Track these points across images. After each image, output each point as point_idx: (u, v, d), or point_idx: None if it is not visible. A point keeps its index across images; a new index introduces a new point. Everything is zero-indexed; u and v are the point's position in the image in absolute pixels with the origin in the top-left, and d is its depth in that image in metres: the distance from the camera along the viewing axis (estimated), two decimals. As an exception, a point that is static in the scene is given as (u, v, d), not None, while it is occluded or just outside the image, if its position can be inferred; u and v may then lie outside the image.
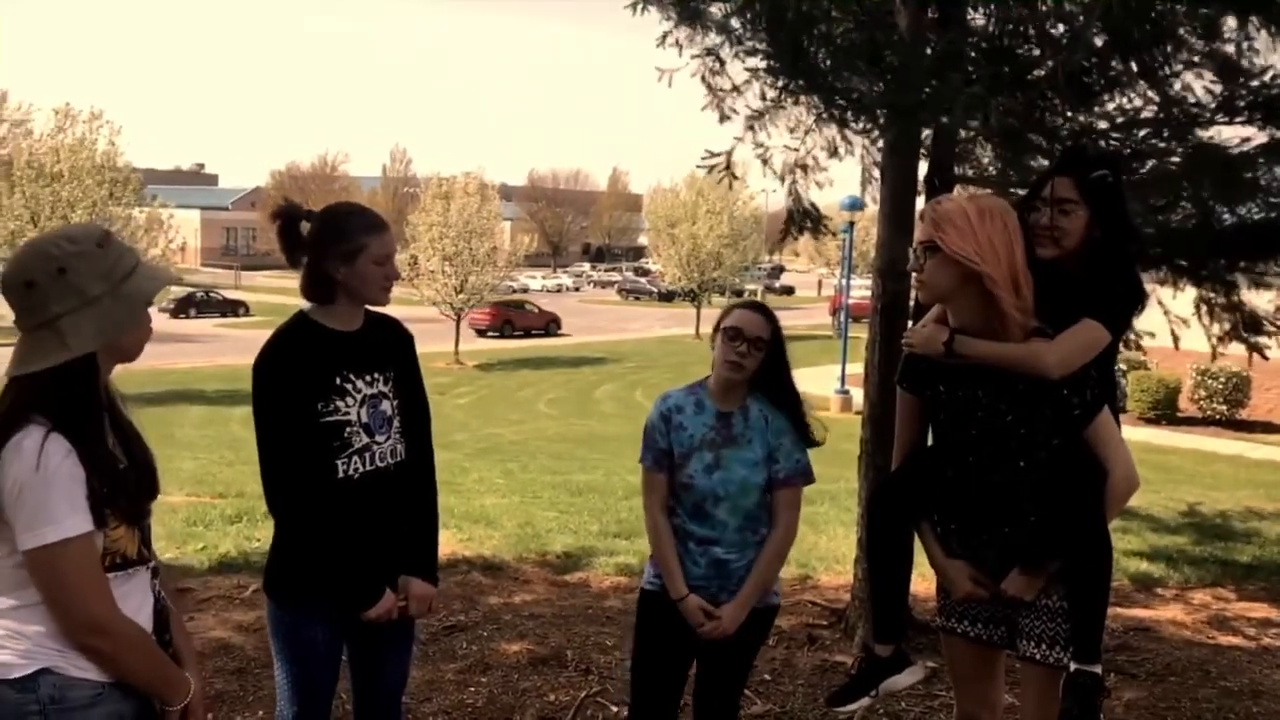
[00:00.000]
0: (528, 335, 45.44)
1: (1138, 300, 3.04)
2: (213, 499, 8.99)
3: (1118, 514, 2.79)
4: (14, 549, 2.04)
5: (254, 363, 2.91)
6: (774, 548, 3.24)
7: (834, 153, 6.00)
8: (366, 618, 2.97)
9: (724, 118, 5.84)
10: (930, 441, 2.97)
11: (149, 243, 30.60)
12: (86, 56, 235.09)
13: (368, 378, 2.98)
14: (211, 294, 53.52)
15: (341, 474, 2.91)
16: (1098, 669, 2.71)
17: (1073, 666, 2.72)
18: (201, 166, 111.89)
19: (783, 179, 6.09)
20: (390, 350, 3.09)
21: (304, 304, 3.04)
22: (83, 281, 2.08)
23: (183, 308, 50.90)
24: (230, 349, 39.12)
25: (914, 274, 2.78)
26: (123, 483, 2.16)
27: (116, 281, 2.12)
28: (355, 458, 2.93)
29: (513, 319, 46.14)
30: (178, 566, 6.61)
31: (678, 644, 3.28)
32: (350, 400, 2.93)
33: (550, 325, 47.78)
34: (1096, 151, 3.34)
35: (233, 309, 52.49)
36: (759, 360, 3.18)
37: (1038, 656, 2.81)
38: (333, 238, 2.91)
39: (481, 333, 44.05)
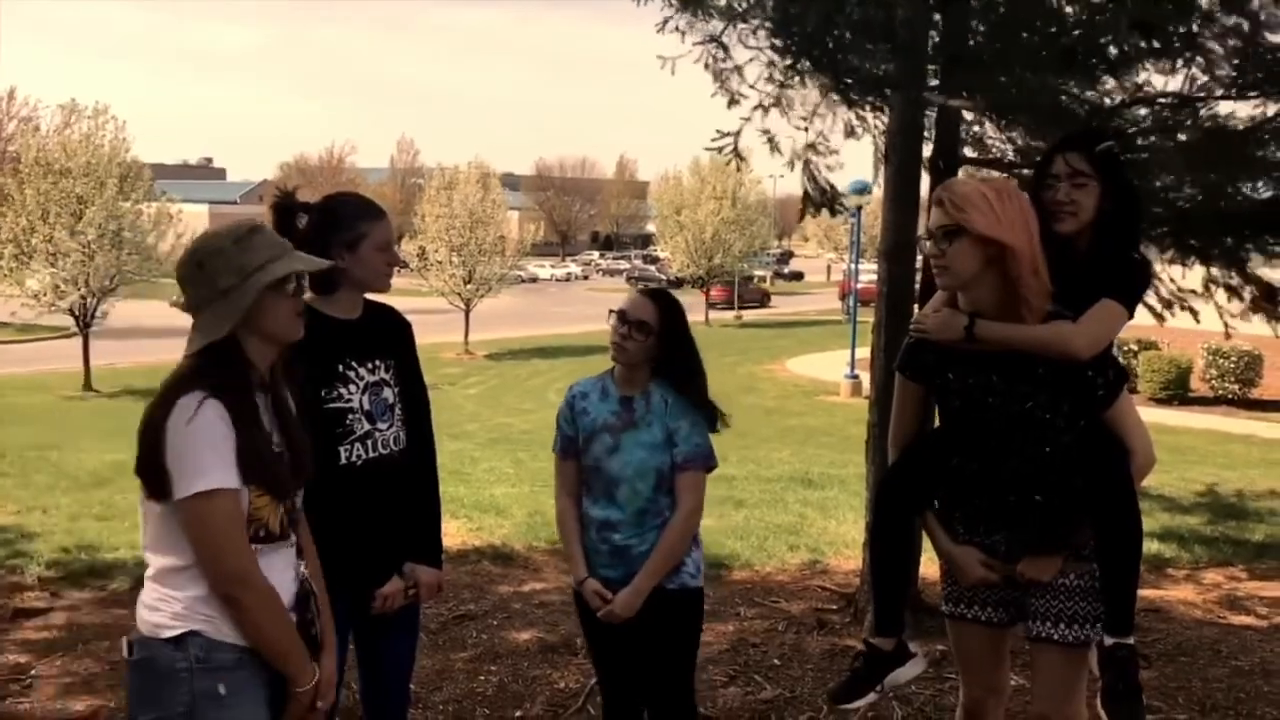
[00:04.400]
0: (748, 306, 53.91)
1: (1149, 275, 3.04)
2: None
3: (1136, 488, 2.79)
4: (173, 507, 2.22)
5: None
6: (673, 531, 3.21)
7: (851, 133, 5.94)
8: (376, 597, 3.00)
9: (733, 102, 5.80)
10: (936, 428, 2.94)
11: (158, 238, 30.64)
12: (93, 51, 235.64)
13: (369, 365, 3.00)
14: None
15: (344, 460, 2.94)
16: (1132, 640, 2.71)
17: (1108, 641, 2.72)
18: (209, 160, 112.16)
19: (791, 164, 6.05)
20: (390, 338, 3.12)
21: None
22: (216, 275, 2.30)
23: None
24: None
25: (933, 260, 2.72)
26: (272, 458, 2.34)
27: (248, 274, 2.30)
28: (357, 444, 2.96)
29: (742, 293, 54.03)
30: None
31: (610, 632, 3.28)
32: (353, 388, 2.96)
33: (764, 299, 57.36)
34: (1096, 127, 3.32)
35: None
36: (643, 344, 3.18)
37: (1055, 636, 2.79)
38: (334, 227, 2.94)
39: (713, 305, 49.47)
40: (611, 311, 3.23)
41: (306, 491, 2.88)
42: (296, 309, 2.42)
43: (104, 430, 20.34)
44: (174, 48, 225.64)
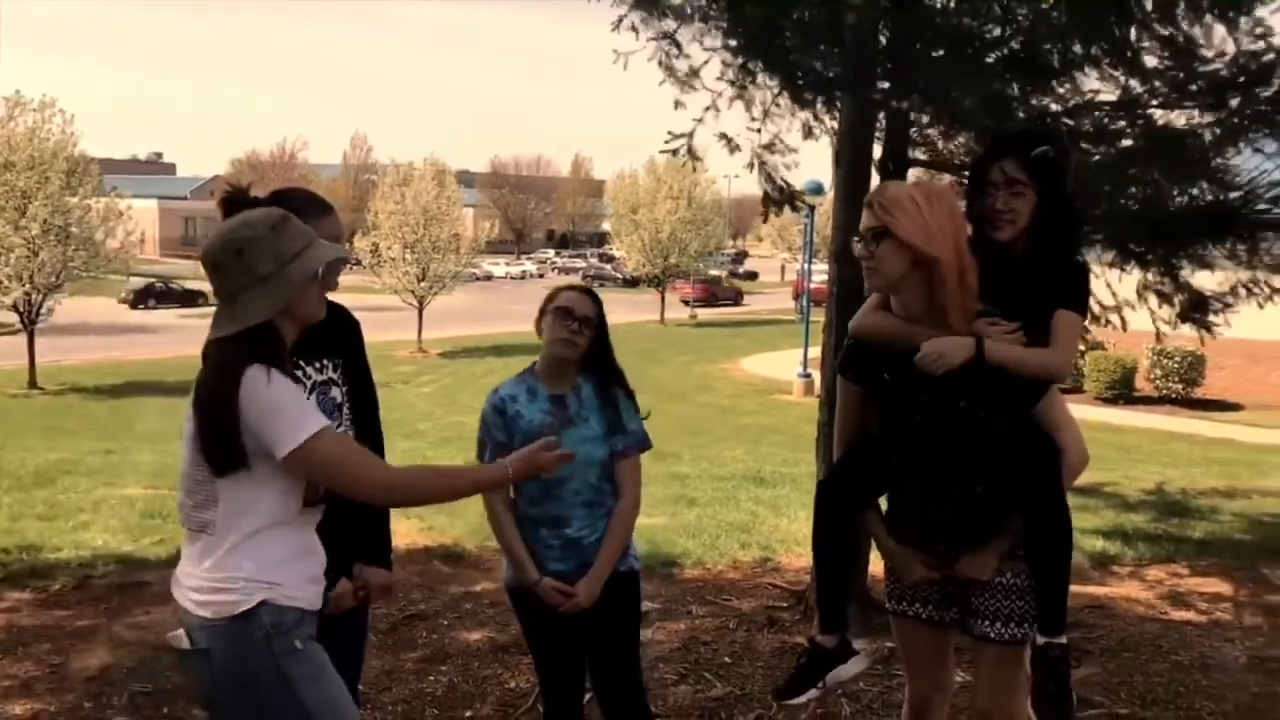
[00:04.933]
0: (721, 304, 56.47)
1: (1089, 277, 3.07)
2: (171, 491, 8.88)
3: (1069, 487, 2.82)
4: (259, 471, 2.32)
5: (203, 350, 2.88)
6: (620, 517, 3.29)
7: (809, 133, 5.99)
8: (324, 605, 2.96)
9: (678, 103, 5.82)
10: (876, 428, 2.96)
11: (107, 233, 30.16)
12: (40, 44, 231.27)
13: (317, 364, 2.97)
14: (170, 284, 52.83)
15: None
16: (1064, 639, 2.74)
17: (1040, 640, 2.74)
18: (159, 155, 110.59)
19: (752, 165, 6.09)
20: (338, 337, 3.08)
21: None
22: (255, 262, 2.38)
23: (141, 299, 50.23)
24: (190, 340, 38.61)
25: (863, 261, 2.76)
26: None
27: (286, 261, 2.40)
28: None
29: (716, 292, 57.42)
30: (133, 560, 6.56)
31: (557, 627, 3.31)
32: (300, 387, 2.90)
33: (737, 296, 59.46)
34: (1032, 128, 3.32)
35: (192, 299, 51.77)
36: (589, 339, 3.23)
37: (992, 634, 2.83)
38: None
39: (687, 302, 51.91)
40: (552, 310, 3.23)
41: None
42: (323, 292, 2.56)
43: (48, 428, 20.02)
44: (123, 40, 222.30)
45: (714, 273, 64.69)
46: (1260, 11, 4.95)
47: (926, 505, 2.87)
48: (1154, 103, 5.20)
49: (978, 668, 2.97)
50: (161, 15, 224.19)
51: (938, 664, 3.09)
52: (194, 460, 2.39)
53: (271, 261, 2.39)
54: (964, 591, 2.89)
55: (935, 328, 2.70)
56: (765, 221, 6.89)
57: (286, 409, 2.32)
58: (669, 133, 5.87)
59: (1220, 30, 4.94)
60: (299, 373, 2.91)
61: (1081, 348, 23.64)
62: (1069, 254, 2.94)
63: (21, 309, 28.11)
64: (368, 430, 3.11)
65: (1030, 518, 2.75)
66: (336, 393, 3.01)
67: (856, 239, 2.77)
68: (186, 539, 2.46)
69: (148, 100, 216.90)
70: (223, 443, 2.31)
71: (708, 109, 5.74)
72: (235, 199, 2.96)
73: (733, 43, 5.30)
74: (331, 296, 3.15)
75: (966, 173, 3.37)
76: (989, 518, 2.77)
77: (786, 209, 6.37)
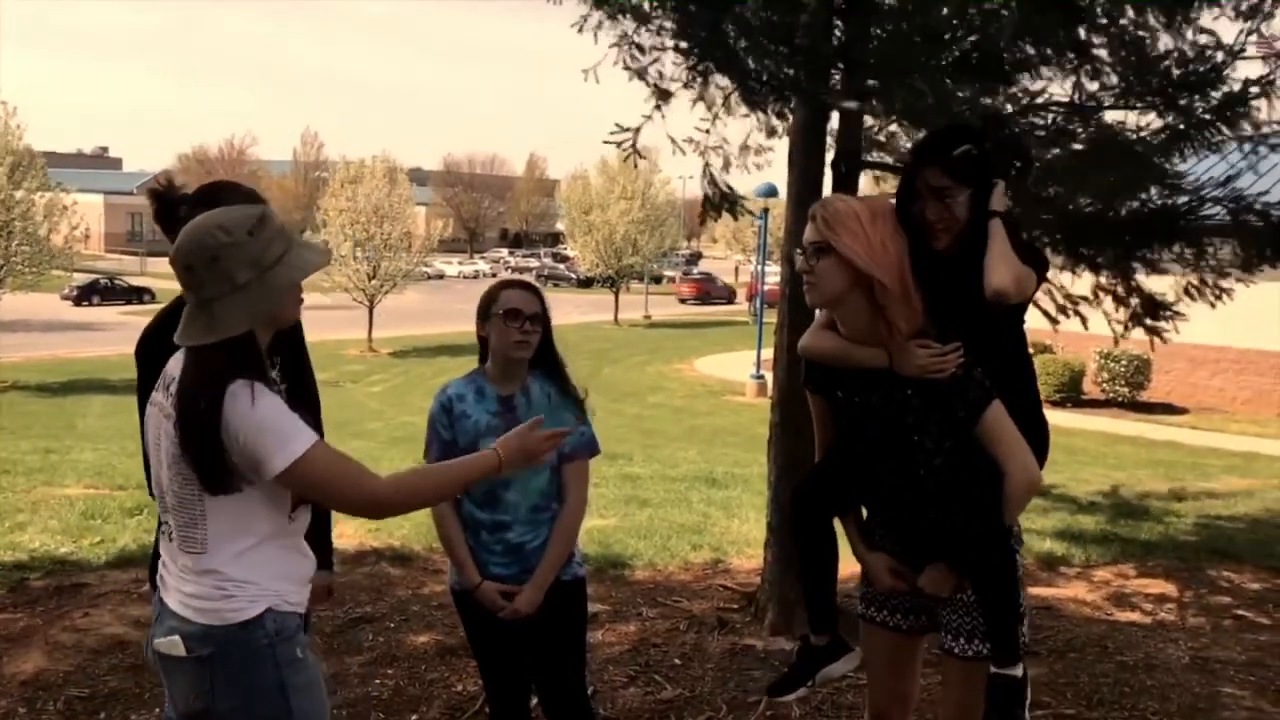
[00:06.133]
0: (715, 302, 57.54)
1: (1043, 257, 3.02)
2: (112, 491, 8.71)
3: (1020, 511, 2.74)
4: (248, 489, 2.25)
5: (135, 347, 2.85)
6: (564, 523, 3.23)
7: (772, 132, 5.99)
8: None
9: (659, 106, 5.79)
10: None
11: (50, 229, 29.62)
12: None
13: None
14: (115, 281, 51.98)
15: None
16: (1017, 671, 2.69)
17: (991, 669, 2.71)
18: (105, 150, 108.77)
19: (706, 165, 6.07)
20: (278, 334, 3.00)
21: None
22: (233, 269, 2.25)
23: (85, 295, 49.37)
24: (135, 337, 37.95)
25: (804, 275, 2.71)
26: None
27: (265, 268, 2.28)
28: None
29: (710, 290, 58.51)
30: (72, 562, 6.40)
31: (500, 632, 3.26)
32: (281, 398, 2.84)
33: (730, 295, 59.45)
34: (948, 127, 3.21)
35: (137, 296, 50.96)
36: (539, 337, 3.18)
37: (956, 650, 2.81)
38: None
39: (684, 301, 54.13)
40: (500, 313, 3.15)
41: None
42: (300, 294, 2.46)
43: (-13, 427, 19.55)
44: (69, 31, 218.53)
45: (668, 273, 64.80)
46: (1204, 17, 5.01)
47: (886, 520, 2.87)
48: (1106, 104, 5.23)
49: (944, 682, 2.96)
50: (109, 6, 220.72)
51: (900, 676, 3.05)
52: (177, 478, 2.30)
53: (250, 269, 2.27)
54: (934, 603, 2.87)
55: (877, 347, 2.67)
56: (702, 224, 6.88)
57: (274, 427, 2.24)
58: (616, 125, 5.84)
59: (1168, 32, 5.00)
60: None
61: (1030, 350, 23.94)
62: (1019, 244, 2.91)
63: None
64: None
65: (969, 559, 2.71)
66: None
67: (799, 250, 2.72)
68: (171, 549, 2.38)
69: (93, 93, 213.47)
70: (212, 463, 2.23)
71: (655, 107, 5.71)
72: (167, 195, 2.91)
73: (683, 44, 5.28)
74: None
75: None
76: (941, 540, 2.74)
77: (726, 216, 6.37)
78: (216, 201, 2.87)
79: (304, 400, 3.03)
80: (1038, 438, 2.82)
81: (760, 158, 6.21)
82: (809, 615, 3.02)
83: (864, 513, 2.99)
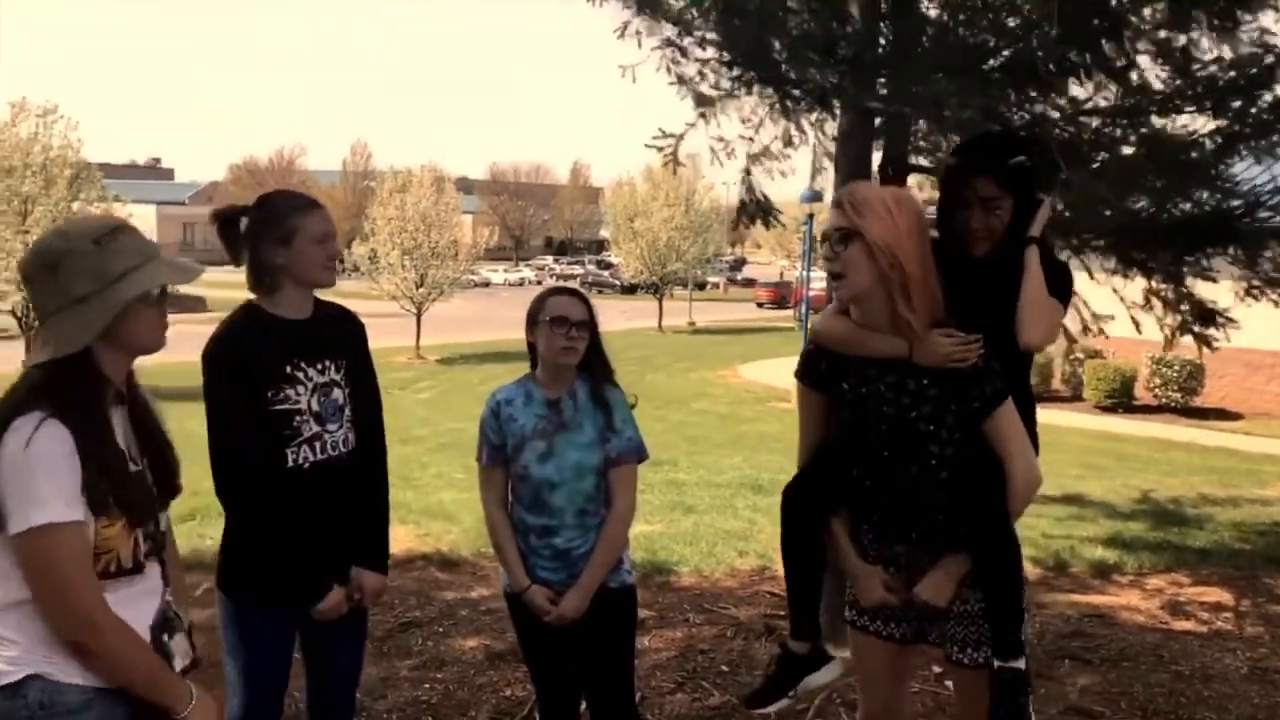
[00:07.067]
0: (791, 307, 56.72)
1: (1070, 277, 3.02)
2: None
3: (1024, 507, 2.73)
4: (6, 542, 1.99)
5: (203, 352, 2.90)
6: (611, 529, 3.23)
7: (789, 142, 6.00)
8: (316, 613, 2.96)
9: (702, 113, 5.81)
10: (835, 438, 2.88)
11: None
12: (38, 48, 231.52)
13: (319, 366, 2.97)
14: (167, 290, 52.79)
15: (291, 463, 2.90)
16: (1020, 664, 2.68)
17: (995, 663, 2.70)
18: (158, 161, 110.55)
19: (748, 171, 6.09)
20: (342, 339, 3.09)
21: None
22: (70, 281, 2.06)
23: (138, 304, 50.19)
24: (187, 345, 38.23)
25: (827, 264, 2.68)
26: (126, 480, 2.11)
27: (109, 281, 2.07)
28: (305, 446, 2.92)
29: (786, 295, 58.29)
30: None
31: (549, 637, 3.27)
32: (301, 389, 2.92)
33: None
34: (997, 136, 3.18)
35: (189, 305, 51.83)
36: (585, 343, 3.19)
37: (965, 660, 2.79)
38: (267, 225, 2.92)
39: (761, 305, 56.88)
40: (547, 320, 3.17)
41: (255, 493, 2.85)
42: (162, 319, 2.22)
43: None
44: (123, 42, 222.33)
45: (712, 279, 64.65)
46: (1265, 19, 4.95)
47: (888, 521, 2.81)
48: (1153, 109, 5.19)
49: (956, 692, 2.97)
50: (161, 18, 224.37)
51: (891, 685, 3.01)
52: None
53: (91, 280, 2.06)
54: (928, 616, 2.83)
55: (896, 335, 2.65)
56: (735, 229, 6.85)
57: (29, 483, 1.96)
58: (659, 130, 5.88)
59: (1216, 36, 4.94)
60: (299, 374, 2.91)
61: (1080, 355, 23.67)
62: (1052, 257, 2.91)
63: (20, 314, 28.06)
64: (369, 433, 3.11)
65: (975, 551, 2.70)
66: (339, 394, 3.00)
67: (822, 239, 2.70)
68: None
69: (147, 104, 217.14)
70: None
71: (701, 116, 5.74)
72: (228, 214, 2.99)
73: (726, 55, 5.31)
74: (334, 299, 3.16)
75: None
76: (947, 541, 2.72)
77: (760, 225, 6.38)
78: (271, 207, 2.95)
79: (366, 404, 3.10)
80: (1032, 436, 2.84)
81: (784, 164, 6.19)
82: (791, 621, 2.95)
83: (849, 522, 2.90)
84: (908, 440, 2.69)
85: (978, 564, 2.71)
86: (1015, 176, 2.79)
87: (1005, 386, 2.64)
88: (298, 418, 2.90)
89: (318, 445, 2.94)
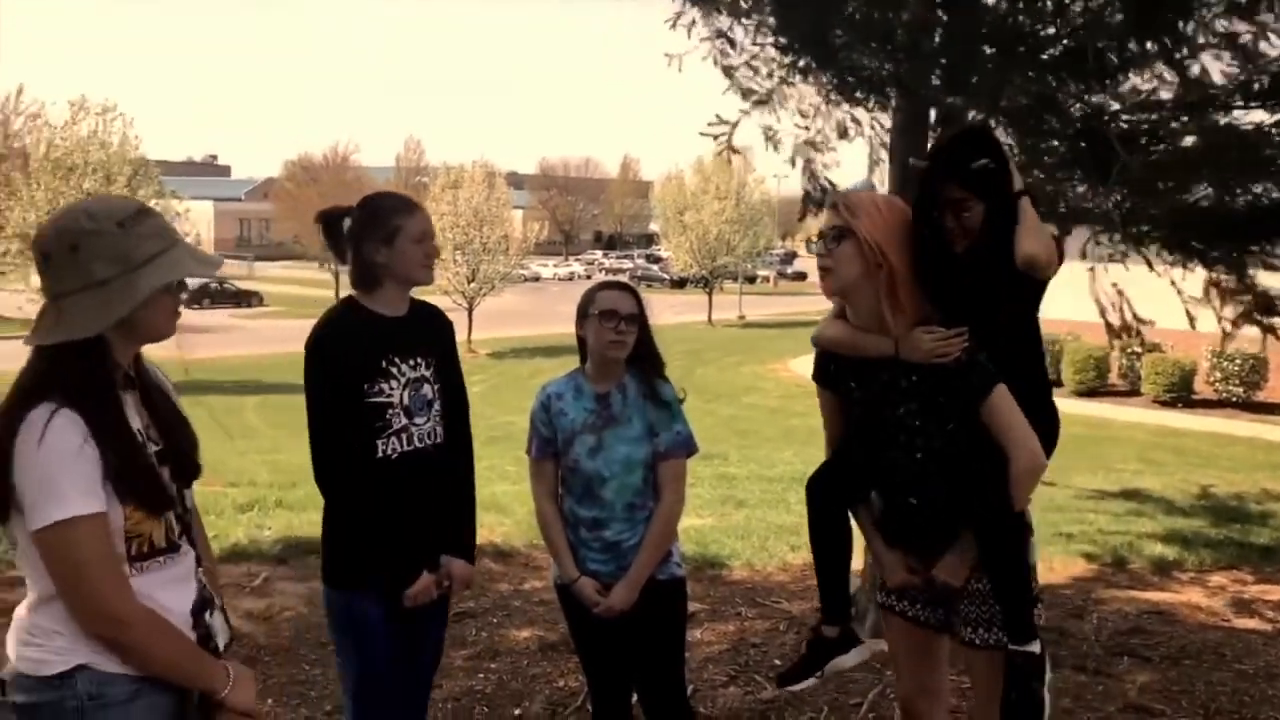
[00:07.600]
0: None
1: (1062, 256, 3.03)
2: (224, 488, 9.00)
3: (1027, 495, 2.74)
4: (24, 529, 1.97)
5: (305, 345, 3.02)
6: (660, 522, 3.24)
7: (844, 134, 5.97)
8: (406, 598, 3.05)
9: (746, 94, 5.80)
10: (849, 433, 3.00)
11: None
12: (96, 47, 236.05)
13: (411, 362, 3.07)
14: (225, 285, 53.66)
15: (381, 454, 3.00)
16: (1034, 648, 2.71)
17: (1010, 647, 2.73)
18: (214, 157, 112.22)
19: (793, 161, 6.06)
20: (433, 336, 3.19)
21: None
22: (92, 263, 1.98)
23: (196, 298, 51.06)
24: (243, 340, 39.22)
25: (819, 262, 2.79)
26: (146, 465, 2.07)
27: (133, 266, 2.01)
28: (393, 439, 3.02)
29: None
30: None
31: (600, 628, 3.29)
32: (395, 383, 3.02)
33: None
34: (960, 136, 3.12)
35: (246, 300, 52.65)
36: (635, 337, 3.20)
37: (977, 641, 2.83)
38: (370, 224, 3.03)
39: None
40: (597, 314, 3.18)
41: (352, 483, 2.96)
42: (176, 307, 2.15)
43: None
44: (179, 40, 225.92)
45: (762, 273, 64.48)
46: None
47: (899, 511, 2.90)
48: (1218, 100, 5.09)
49: (970, 674, 2.98)
50: (217, 16, 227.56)
51: (924, 667, 3.07)
52: None
53: (113, 264, 1.99)
54: (949, 597, 2.89)
55: (885, 335, 2.75)
56: (802, 220, 6.79)
57: (46, 479, 1.92)
58: (716, 116, 5.87)
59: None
60: (393, 369, 3.01)
61: (1138, 349, 23.28)
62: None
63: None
64: (456, 426, 3.20)
65: (979, 536, 2.75)
66: (428, 390, 3.10)
67: (817, 237, 2.81)
68: None
69: (203, 102, 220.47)
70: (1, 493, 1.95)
71: (757, 103, 5.72)
72: (333, 214, 3.11)
73: (783, 40, 5.29)
74: (426, 296, 3.24)
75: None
76: (952, 525, 2.79)
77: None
78: (375, 207, 3.06)
79: (454, 400, 3.19)
80: (1047, 424, 2.85)
81: (826, 156, 6.15)
82: (821, 606, 3.07)
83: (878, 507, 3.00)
84: (895, 434, 2.79)
85: (980, 551, 2.77)
86: (982, 180, 2.82)
87: (993, 377, 2.69)
88: (390, 411, 3.00)
89: (404, 437, 3.03)
